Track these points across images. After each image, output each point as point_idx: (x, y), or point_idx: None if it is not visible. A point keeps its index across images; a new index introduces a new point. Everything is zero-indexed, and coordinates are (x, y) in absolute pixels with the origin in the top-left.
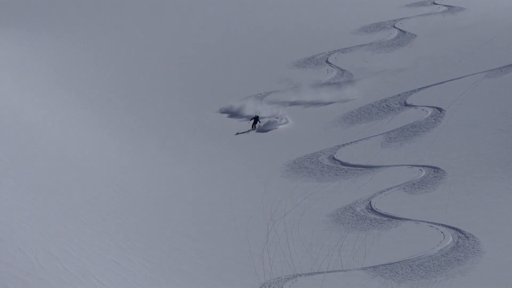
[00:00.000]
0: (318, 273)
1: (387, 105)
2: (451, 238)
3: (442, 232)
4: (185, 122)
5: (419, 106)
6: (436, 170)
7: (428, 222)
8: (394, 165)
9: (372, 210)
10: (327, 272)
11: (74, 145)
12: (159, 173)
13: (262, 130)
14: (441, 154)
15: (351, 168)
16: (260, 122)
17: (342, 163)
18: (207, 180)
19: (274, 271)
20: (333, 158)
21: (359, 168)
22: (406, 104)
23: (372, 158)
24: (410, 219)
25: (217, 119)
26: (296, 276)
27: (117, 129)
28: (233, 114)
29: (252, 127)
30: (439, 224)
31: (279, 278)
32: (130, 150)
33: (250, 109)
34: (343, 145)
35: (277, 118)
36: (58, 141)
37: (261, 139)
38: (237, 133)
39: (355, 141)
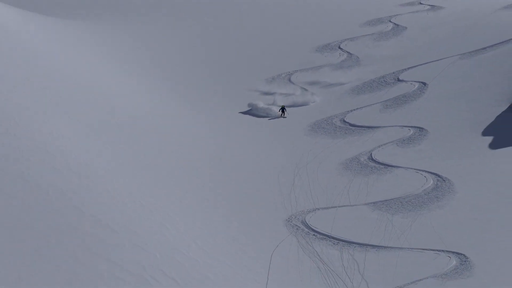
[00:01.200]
0: (332, 207)
1: (384, 80)
2: (431, 181)
3: (425, 177)
4: (233, 98)
5: (409, 81)
6: (421, 129)
7: (414, 169)
8: (389, 126)
9: (373, 160)
10: (339, 206)
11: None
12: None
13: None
14: (425, 117)
15: (357, 128)
16: (286, 110)
17: (350, 124)
18: (251, 141)
19: (299, 206)
20: (343, 121)
21: (363, 128)
22: (399, 80)
23: (373, 120)
24: (401, 167)
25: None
26: (315, 210)
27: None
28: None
29: (282, 115)
30: (423, 170)
31: (302, 211)
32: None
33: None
34: (351, 110)
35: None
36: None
37: (288, 111)
38: (270, 119)
39: (360, 107)
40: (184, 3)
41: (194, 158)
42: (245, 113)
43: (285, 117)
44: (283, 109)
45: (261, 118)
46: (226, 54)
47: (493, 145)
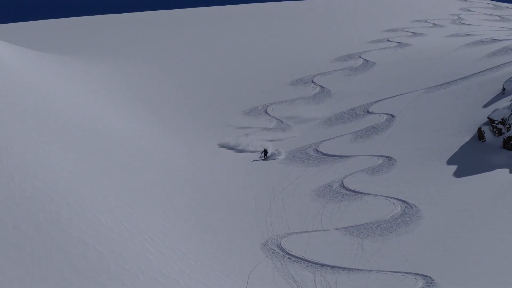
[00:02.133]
0: (306, 232)
1: (355, 112)
2: (399, 207)
3: (393, 203)
4: (211, 126)
5: (378, 113)
6: (389, 158)
7: (383, 196)
8: (359, 155)
9: (344, 187)
10: (312, 231)
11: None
12: (195, 160)
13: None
14: (393, 147)
15: (329, 157)
16: (268, 152)
17: (323, 154)
18: (228, 169)
19: (274, 230)
20: (317, 150)
21: (335, 157)
22: (368, 112)
23: (344, 150)
24: (370, 194)
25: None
26: (290, 234)
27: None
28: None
29: (264, 158)
30: (391, 197)
31: (277, 235)
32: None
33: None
34: (324, 141)
35: (276, 151)
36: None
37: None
38: (253, 160)
39: (332, 138)
40: (166, 42)
41: (173, 182)
42: (221, 145)
43: (265, 160)
44: (265, 152)
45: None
46: (205, 87)
47: (456, 173)
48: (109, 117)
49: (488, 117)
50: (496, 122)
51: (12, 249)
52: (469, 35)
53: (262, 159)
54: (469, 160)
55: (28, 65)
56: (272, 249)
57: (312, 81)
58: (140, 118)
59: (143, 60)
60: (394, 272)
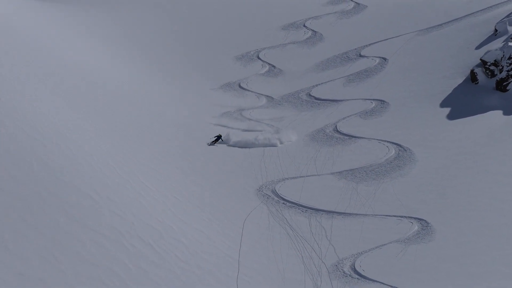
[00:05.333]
0: (300, 177)
1: (347, 56)
2: (393, 150)
3: (387, 147)
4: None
5: (370, 56)
6: (382, 102)
7: (377, 139)
8: (352, 99)
9: (337, 131)
10: (306, 176)
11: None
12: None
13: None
14: (385, 90)
15: (322, 101)
16: (222, 140)
17: (316, 98)
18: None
19: (269, 176)
20: (309, 95)
21: (328, 101)
22: (360, 55)
23: (337, 94)
24: (364, 137)
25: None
26: (284, 179)
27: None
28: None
29: (213, 143)
30: (385, 141)
31: (272, 181)
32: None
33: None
34: (317, 85)
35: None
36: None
37: (262, 83)
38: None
39: (325, 82)
40: None
41: (166, 127)
42: (215, 89)
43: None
44: (219, 137)
45: (231, 96)
46: (197, 32)
47: (450, 116)
48: (103, 64)
49: (480, 59)
50: (488, 63)
51: (4, 195)
52: None
53: (212, 144)
54: (462, 102)
55: (24, 16)
56: (266, 194)
57: (304, 25)
58: (134, 63)
59: (139, 6)
60: (389, 216)
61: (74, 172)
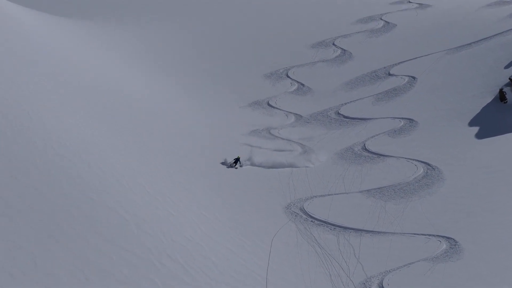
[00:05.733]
0: (328, 195)
1: (376, 75)
2: (422, 169)
3: (415, 165)
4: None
5: (399, 75)
6: (411, 121)
7: (405, 158)
8: (381, 118)
9: (366, 149)
10: (335, 194)
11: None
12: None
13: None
14: (414, 109)
15: (351, 119)
16: (240, 162)
17: (345, 116)
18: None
19: (297, 193)
20: (338, 113)
21: (357, 120)
22: (389, 74)
23: (365, 112)
24: (392, 156)
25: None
26: (313, 197)
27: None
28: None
29: (234, 165)
30: (413, 159)
31: (300, 198)
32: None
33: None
34: (345, 103)
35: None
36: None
37: (290, 101)
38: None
39: (354, 100)
40: (184, 2)
41: (193, 145)
42: (244, 107)
43: (236, 168)
44: (237, 160)
45: (260, 114)
46: (225, 49)
47: (478, 135)
48: (127, 80)
49: (509, 78)
50: None
51: (34, 213)
52: None
53: (234, 167)
54: (491, 121)
55: (47, 30)
56: (295, 212)
57: (333, 44)
58: (158, 79)
59: (160, 20)
60: (417, 234)
61: (103, 190)
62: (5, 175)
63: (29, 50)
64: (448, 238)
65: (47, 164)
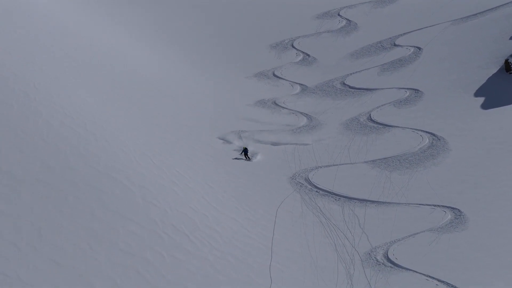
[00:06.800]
0: (333, 165)
1: (381, 45)
2: (427, 139)
3: (421, 136)
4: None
5: (404, 45)
6: (416, 91)
7: (411, 128)
8: (386, 88)
9: (371, 120)
10: (340, 164)
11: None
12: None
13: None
14: (420, 80)
15: (356, 90)
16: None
17: (350, 87)
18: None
19: (302, 164)
20: (344, 83)
21: (362, 90)
22: (395, 44)
23: (371, 83)
24: (398, 126)
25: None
26: (318, 168)
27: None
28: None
29: (246, 158)
30: (419, 130)
31: (305, 169)
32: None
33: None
34: (351, 74)
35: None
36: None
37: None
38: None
39: (359, 71)
40: None
41: (199, 118)
42: (249, 77)
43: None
44: (245, 151)
45: (265, 84)
46: (231, 20)
47: (484, 105)
48: (135, 54)
49: None
50: None
51: (40, 185)
52: None
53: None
54: (496, 91)
55: (54, 4)
56: (300, 182)
57: (338, 15)
58: (165, 54)
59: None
60: (422, 205)
61: (109, 161)
62: (11, 147)
63: (36, 24)
64: (453, 208)
65: (53, 136)
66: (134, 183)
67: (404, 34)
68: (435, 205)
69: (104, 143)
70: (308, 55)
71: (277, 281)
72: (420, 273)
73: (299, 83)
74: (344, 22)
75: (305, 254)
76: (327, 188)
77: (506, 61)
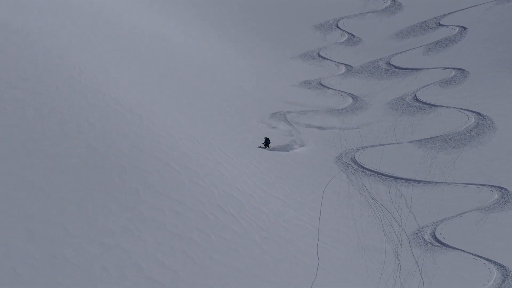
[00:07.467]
0: (379, 145)
1: (426, 25)
2: (473, 119)
3: (467, 115)
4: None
5: (450, 25)
6: (462, 71)
7: (457, 108)
8: (432, 68)
9: (417, 99)
10: (386, 144)
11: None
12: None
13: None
14: (465, 59)
15: (401, 70)
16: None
17: (395, 67)
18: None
19: (348, 144)
20: (389, 63)
21: (407, 70)
22: (440, 24)
23: (416, 63)
24: (444, 106)
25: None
26: (364, 148)
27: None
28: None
29: (266, 147)
30: (465, 109)
31: (352, 149)
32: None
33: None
34: (396, 54)
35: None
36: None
37: (341, 52)
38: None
39: (404, 51)
40: None
41: (244, 100)
42: (294, 58)
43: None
44: (267, 142)
45: (310, 65)
46: (276, 2)
47: None
48: (177, 37)
49: None
50: None
51: (85, 167)
52: None
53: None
54: None
55: None
56: (346, 163)
57: None
58: (208, 36)
59: None
60: (469, 184)
61: (155, 143)
62: (56, 130)
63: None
64: (500, 188)
65: (98, 118)
66: (179, 164)
67: (449, 13)
68: (482, 185)
69: (150, 124)
70: (353, 35)
71: (324, 261)
72: (467, 252)
73: (344, 64)
74: (389, 2)
75: (352, 234)
76: (373, 168)
77: None
